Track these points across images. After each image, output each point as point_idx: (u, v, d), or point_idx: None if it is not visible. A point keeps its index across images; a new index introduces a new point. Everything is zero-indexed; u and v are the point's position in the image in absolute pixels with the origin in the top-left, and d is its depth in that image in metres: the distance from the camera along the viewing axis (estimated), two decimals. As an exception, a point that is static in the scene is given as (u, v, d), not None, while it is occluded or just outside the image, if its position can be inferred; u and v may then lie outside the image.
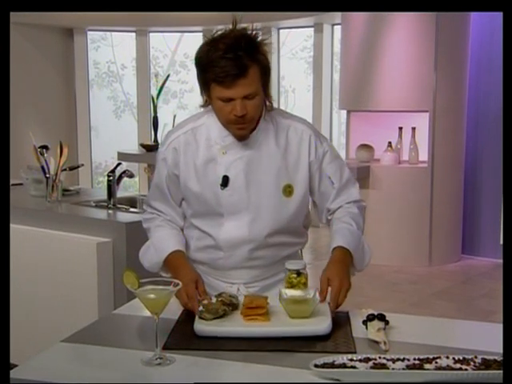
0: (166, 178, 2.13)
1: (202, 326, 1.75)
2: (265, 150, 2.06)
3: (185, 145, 2.08)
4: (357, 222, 2.09)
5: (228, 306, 1.83)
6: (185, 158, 2.08)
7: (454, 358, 1.54)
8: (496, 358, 1.53)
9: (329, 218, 2.17)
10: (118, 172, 3.69)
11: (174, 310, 1.86)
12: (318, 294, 1.85)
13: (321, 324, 1.76)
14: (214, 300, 1.84)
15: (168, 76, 7.90)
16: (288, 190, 2.07)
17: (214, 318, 1.79)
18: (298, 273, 1.95)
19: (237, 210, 2.05)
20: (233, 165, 2.04)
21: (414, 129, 6.12)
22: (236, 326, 1.77)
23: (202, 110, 2.09)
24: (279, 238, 2.10)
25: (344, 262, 1.97)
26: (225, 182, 2.04)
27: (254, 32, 1.96)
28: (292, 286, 1.92)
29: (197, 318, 1.79)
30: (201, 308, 1.80)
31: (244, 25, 1.98)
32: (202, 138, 2.08)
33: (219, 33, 1.95)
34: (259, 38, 1.96)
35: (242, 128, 2.00)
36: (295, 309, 1.80)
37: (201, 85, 2.00)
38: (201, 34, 8.24)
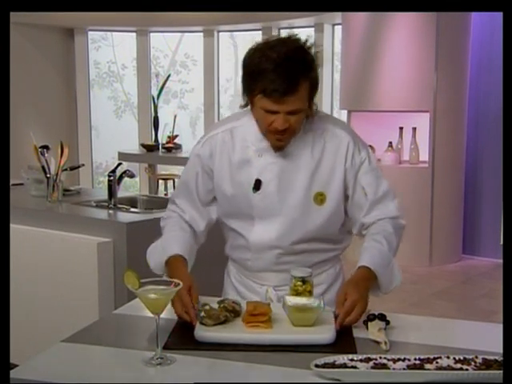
0: (196, 175, 2.11)
1: (202, 332, 1.73)
2: (299, 157, 2.01)
3: (221, 143, 2.06)
4: (389, 242, 2.00)
5: (230, 313, 1.80)
6: (220, 157, 2.06)
7: (454, 358, 1.54)
8: (497, 358, 1.53)
9: (363, 232, 2.08)
10: (118, 172, 3.68)
11: (174, 310, 1.86)
12: (322, 302, 1.80)
13: (324, 333, 1.73)
14: (215, 306, 1.82)
15: (169, 76, 7.91)
16: (320, 198, 2.01)
17: (215, 324, 1.77)
18: (304, 280, 1.93)
19: (267, 214, 2.03)
20: (267, 169, 2.01)
21: (414, 129, 6.12)
22: (237, 332, 1.74)
23: (242, 109, 2.02)
24: (309, 245, 2.06)
25: (365, 282, 1.89)
26: (257, 185, 2.01)
27: (308, 44, 1.90)
28: (297, 293, 1.91)
29: (198, 323, 1.77)
30: (202, 314, 1.79)
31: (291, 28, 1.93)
32: (238, 139, 2.05)
33: (273, 39, 1.90)
34: (313, 51, 1.91)
35: (281, 140, 1.96)
36: (299, 317, 1.77)
37: (245, 89, 1.93)
38: (201, 33, 8.23)
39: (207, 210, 2.15)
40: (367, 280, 1.90)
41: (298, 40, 1.90)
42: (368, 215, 2.06)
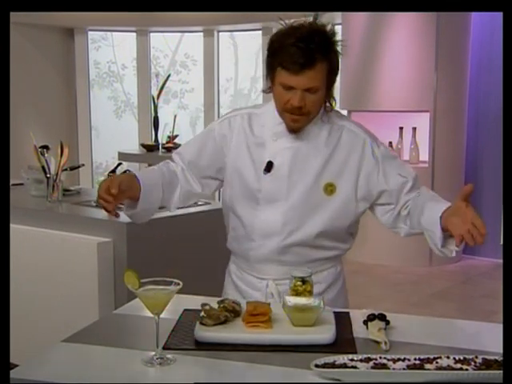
0: (203, 145, 2.16)
1: (202, 332, 1.73)
2: (313, 146, 2.06)
3: (239, 125, 2.13)
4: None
5: (230, 313, 1.80)
6: (237, 138, 2.12)
7: (454, 358, 1.54)
8: (497, 358, 1.53)
9: (403, 213, 2.10)
10: (118, 172, 3.69)
11: (174, 309, 1.86)
12: (322, 302, 1.80)
13: (324, 333, 1.73)
14: (215, 306, 1.82)
15: (169, 76, 7.90)
16: (329, 189, 2.06)
17: (215, 324, 1.76)
18: (304, 280, 1.92)
19: (274, 197, 2.06)
20: (280, 153, 2.06)
21: (414, 129, 6.12)
22: (237, 332, 1.74)
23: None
24: (314, 240, 2.08)
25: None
26: (268, 167, 2.05)
27: (330, 31, 2.00)
28: (297, 293, 1.91)
29: (197, 323, 1.77)
30: (202, 314, 1.79)
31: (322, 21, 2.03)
32: (256, 124, 2.12)
33: (297, 23, 2.00)
34: (334, 38, 2.01)
35: (296, 120, 2.01)
36: (299, 317, 1.77)
37: (267, 68, 2.02)
38: (201, 33, 8.24)
39: (195, 180, 2.18)
40: None
41: (323, 25, 2.00)
42: (410, 192, 2.10)
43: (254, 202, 2.08)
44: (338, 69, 2.02)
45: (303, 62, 1.91)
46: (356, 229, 2.19)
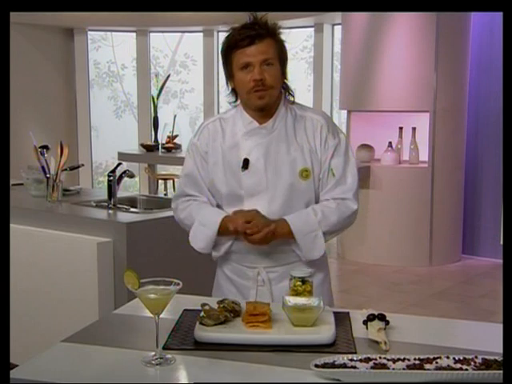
0: (196, 163, 2.25)
1: (202, 332, 1.74)
2: (283, 137, 2.18)
3: (213, 132, 2.23)
4: (325, 216, 2.15)
5: (230, 313, 1.81)
6: (213, 143, 2.22)
7: (454, 358, 1.54)
8: (496, 358, 1.53)
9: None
10: (118, 172, 3.68)
11: (174, 310, 1.86)
12: (322, 302, 1.82)
13: (324, 333, 1.73)
14: (215, 306, 1.83)
15: (168, 76, 7.90)
16: (305, 174, 2.17)
17: (215, 324, 1.77)
18: (303, 281, 1.94)
19: (256, 191, 2.16)
20: (254, 149, 2.17)
21: (414, 129, 6.12)
22: (237, 332, 1.74)
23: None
24: None
25: (282, 230, 2.10)
26: (245, 164, 2.16)
27: (273, 24, 2.15)
28: (297, 293, 1.92)
29: (197, 323, 1.77)
30: (202, 314, 1.79)
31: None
32: (228, 127, 2.23)
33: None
34: (278, 30, 2.16)
35: (262, 96, 2.11)
36: (299, 317, 1.78)
37: (225, 67, 2.17)
38: (201, 33, 8.24)
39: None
40: (284, 232, 2.11)
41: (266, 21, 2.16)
42: (329, 193, 2.20)
43: (238, 200, 2.18)
44: (287, 59, 2.17)
45: (253, 35, 2.07)
46: None
